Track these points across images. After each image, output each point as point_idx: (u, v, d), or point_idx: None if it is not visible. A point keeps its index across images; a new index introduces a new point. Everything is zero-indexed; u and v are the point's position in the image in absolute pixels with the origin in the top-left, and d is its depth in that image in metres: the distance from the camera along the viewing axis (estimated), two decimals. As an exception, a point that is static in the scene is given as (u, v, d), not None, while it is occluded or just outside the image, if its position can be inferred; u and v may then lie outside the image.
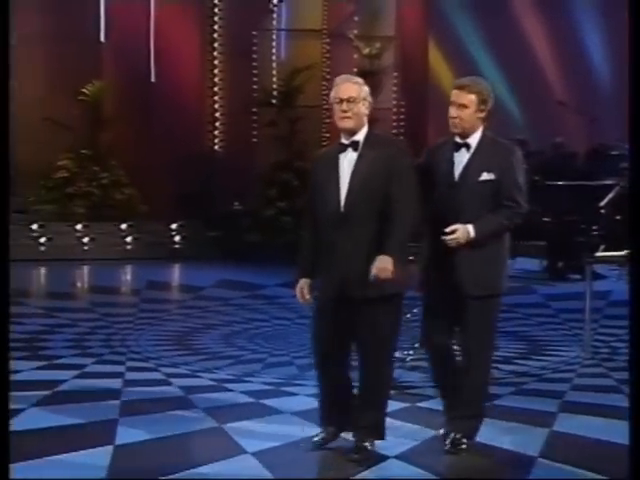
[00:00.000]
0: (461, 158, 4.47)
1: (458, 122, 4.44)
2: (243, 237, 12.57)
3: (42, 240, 12.39)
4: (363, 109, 4.40)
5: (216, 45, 14.20)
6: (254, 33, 14.25)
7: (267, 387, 5.92)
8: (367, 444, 4.40)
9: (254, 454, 4.39)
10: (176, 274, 11.86)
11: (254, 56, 14.27)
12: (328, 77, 14.66)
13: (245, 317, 8.59)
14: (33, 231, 12.41)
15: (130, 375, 6.25)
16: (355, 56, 14.47)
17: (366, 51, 14.40)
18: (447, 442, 4.50)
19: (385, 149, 4.39)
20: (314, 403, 4.74)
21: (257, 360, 6.85)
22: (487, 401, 4.72)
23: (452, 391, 4.61)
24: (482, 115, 4.46)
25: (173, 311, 9.07)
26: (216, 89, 14.17)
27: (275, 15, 14.57)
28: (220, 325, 8.27)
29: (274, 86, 13.98)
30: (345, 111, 4.35)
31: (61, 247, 12.34)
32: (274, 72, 14.22)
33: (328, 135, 14.05)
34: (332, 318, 4.40)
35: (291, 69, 13.84)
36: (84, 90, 12.97)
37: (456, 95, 4.45)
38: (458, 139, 4.49)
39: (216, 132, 14.08)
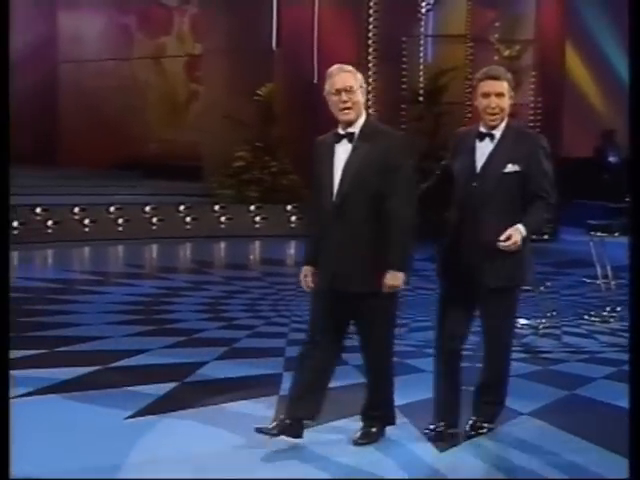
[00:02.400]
0: (484, 149, 3.90)
1: (499, 112, 3.87)
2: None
3: (222, 219, 12.73)
4: (360, 97, 3.82)
5: (370, 50, 14.14)
6: (404, 39, 14.07)
7: (410, 349, 5.83)
8: (374, 429, 4.00)
9: (398, 407, 4.32)
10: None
11: (403, 59, 14.11)
12: (470, 77, 14.31)
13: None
14: (215, 212, 12.76)
15: (292, 335, 6.30)
16: (495, 57, 14.04)
17: (506, 53, 13.95)
18: (467, 426, 4.07)
19: (381, 142, 3.78)
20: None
21: (402, 325, 6.75)
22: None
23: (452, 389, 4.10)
24: (511, 102, 3.92)
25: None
26: (369, 88, 14.12)
27: (423, 22, 14.35)
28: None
29: (420, 85, 13.80)
30: (345, 101, 3.77)
31: (237, 225, 12.65)
32: (421, 73, 14.03)
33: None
34: (323, 307, 3.89)
35: (437, 70, 13.61)
36: (258, 92, 13.22)
37: (491, 85, 3.85)
38: (483, 129, 3.91)
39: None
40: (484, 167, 3.89)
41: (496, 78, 3.88)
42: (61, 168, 14.51)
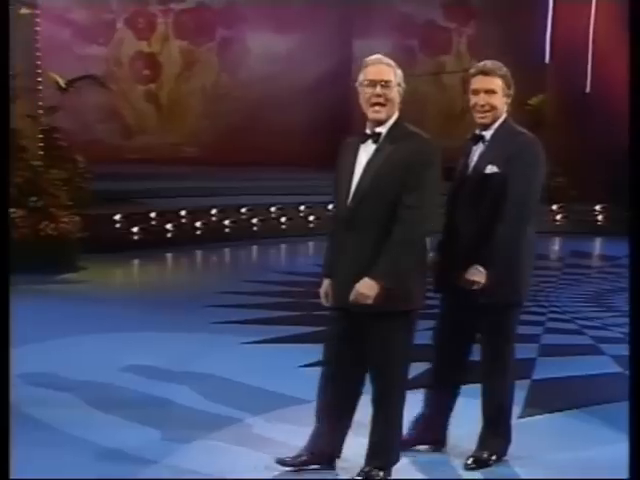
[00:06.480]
0: (476, 151, 3.26)
1: (489, 110, 3.20)
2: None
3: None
4: (397, 95, 3.07)
5: (645, 59, 12.93)
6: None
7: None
8: (374, 473, 3.11)
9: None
10: (596, 246, 10.98)
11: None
12: None
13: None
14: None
15: (549, 324, 5.93)
16: None
17: None
18: (470, 461, 3.27)
19: (408, 146, 3.02)
20: None
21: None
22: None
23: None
24: (508, 101, 3.26)
25: (591, 275, 8.38)
26: (641, 94, 12.94)
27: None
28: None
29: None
30: (379, 96, 3.01)
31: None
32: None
33: None
34: (337, 328, 3.12)
35: None
36: (529, 101, 12.78)
37: (481, 81, 3.20)
38: (476, 130, 3.27)
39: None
40: (472, 170, 3.26)
41: (487, 74, 3.24)
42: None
